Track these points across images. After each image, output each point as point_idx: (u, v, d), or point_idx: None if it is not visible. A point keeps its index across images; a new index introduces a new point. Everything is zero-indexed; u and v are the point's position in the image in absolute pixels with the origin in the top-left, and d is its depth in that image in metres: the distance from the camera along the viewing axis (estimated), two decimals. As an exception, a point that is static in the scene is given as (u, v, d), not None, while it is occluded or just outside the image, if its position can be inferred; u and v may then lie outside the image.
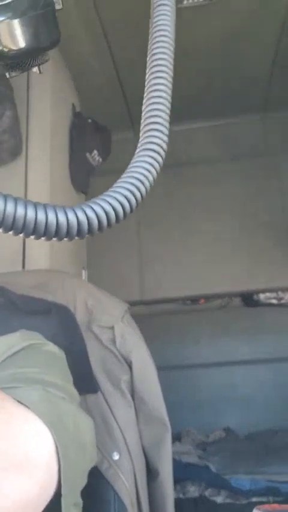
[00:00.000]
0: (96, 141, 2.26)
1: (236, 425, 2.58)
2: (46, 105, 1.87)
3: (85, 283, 1.19)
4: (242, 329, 2.73)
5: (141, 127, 0.43)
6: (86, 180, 2.25)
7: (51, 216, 0.37)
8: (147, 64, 0.46)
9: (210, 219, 2.58)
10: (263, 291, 2.65)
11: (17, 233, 0.36)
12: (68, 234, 0.37)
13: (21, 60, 0.47)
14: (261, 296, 2.68)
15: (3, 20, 0.42)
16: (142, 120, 0.43)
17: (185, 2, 1.79)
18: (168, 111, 0.43)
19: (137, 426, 0.88)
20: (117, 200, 0.38)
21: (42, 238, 0.37)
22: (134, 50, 2.13)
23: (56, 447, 0.50)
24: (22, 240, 1.65)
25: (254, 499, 1.95)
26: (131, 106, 2.50)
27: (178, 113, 2.74)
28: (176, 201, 2.63)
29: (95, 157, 2.23)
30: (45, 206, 0.37)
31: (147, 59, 0.46)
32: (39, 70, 0.50)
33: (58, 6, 0.48)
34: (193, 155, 2.68)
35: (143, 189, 0.40)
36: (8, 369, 0.65)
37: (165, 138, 0.42)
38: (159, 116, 0.43)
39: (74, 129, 2.13)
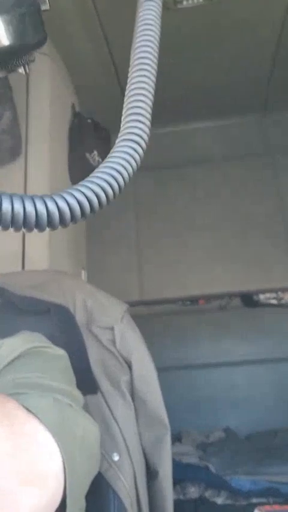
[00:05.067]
0: (96, 141, 2.26)
1: (236, 426, 2.57)
2: (45, 106, 1.87)
3: (84, 284, 1.19)
4: (242, 329, 2.73)
5: (123, 117, 0.44)
6: (85, 180, 2.25)
7: (29, 206, 0.37)
8: (131, 59, 0.46)
9: (209, 219, 2.58)
10: (263, 292, 2.64)
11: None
12: (50, 223, 0.37)
13: (6, 59, 0.47)
14: (261, 296, 2.68)
15: None
16: (124, 111, 0.43)
17: (184, 3, 1.79)
18: (150, 104, 0.43)
19: (136, 427, 0.87)
20: (93, 190, 0.38)
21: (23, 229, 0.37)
22: (133, 51, 2.13)
23: (63, 458, 0.52)
24: (22, 241, 1.65)
25: (254, 500, 1.95)
26: (130, 106, 2.49)
27: (177, 113, 2.74)
28: (175, 202, 2.63)
29: (94, 157, 2.23)
30: (22, 197, 0.37)
31: (131, 54, 0.46)
32: (25, 70, 0.50)
33: (44, 7, 0.48)
34: (193, 155, 2.68)
35: (120, 179, 0.40)
36: (10, 374, 0.64)
37: (147, 130, 0.42)
38: (142, 107, 0.43)
39: (74, 129, 2.13)
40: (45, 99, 1.87)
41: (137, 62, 0.45)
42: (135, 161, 0.41)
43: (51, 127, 1.86)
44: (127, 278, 2.54)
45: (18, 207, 0.36)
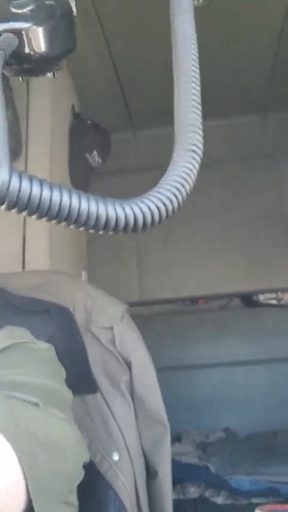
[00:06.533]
0: (96, 142, 2.27)
1: (236, 426, 2.57)
2: (46, 106, 1.87)
3: (84, 284, 1.19)
4: (242, 330, 2.73)
5: (176, 128, 0.45)
6: (85, 180, 2.25)
7: (102, 209, 0.37)
8: (175, 73, 0.47)
9: (209, 219, 2.58)
10: (263, 292, 2.65)
11: (68, 224, 0.36)
12: (116, 228, 0.38)
13: (39, 67, 0.50)
14: (261, 297, 2.68)
15: (30, 26, 0.46)
16: (176, 122, 0.45)
17: (184, 3, 1.79)
18: (200, 114, 0.45)
19: (136, 427, 0.88)
20: (167, 197, 0.40)
21: (91, 230, 0.38)
22: (133, 51, 2.14)
23: (18, 457, 0.52)
24: (22, 241, 1.65)
25: (254, 500, 1.95)
26: (130, 107, 2.50)
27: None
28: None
29: (94, 158, 2.23)
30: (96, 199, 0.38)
31: (174, 67, 0.48)
32: (54, 75, 0.53)
33: (74, 13, 0.51)
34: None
35: (187, 187, 0.41)
36: None
37: (202, 139, 0.44)
38: (196, 119, 0.44)
39: (74, 130, 2.13)
40: (45, 100, 1.87)
41: (184, 74, 0.46)
42: (196, 170, 0.43)
43: (51, 128, 1.86)
44: (127, 278, 2.54)
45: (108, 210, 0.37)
